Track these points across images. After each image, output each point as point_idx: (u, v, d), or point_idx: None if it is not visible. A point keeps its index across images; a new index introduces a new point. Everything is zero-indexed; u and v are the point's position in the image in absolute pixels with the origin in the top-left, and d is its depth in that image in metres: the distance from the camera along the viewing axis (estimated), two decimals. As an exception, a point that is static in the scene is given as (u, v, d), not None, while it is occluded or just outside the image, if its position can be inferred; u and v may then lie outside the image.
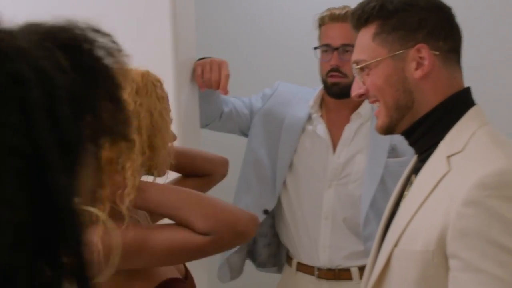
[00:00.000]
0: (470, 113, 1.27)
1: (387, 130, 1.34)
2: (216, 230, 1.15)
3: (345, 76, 1.93)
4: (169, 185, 1.28)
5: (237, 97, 2.19)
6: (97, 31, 0.65)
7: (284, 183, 2.10)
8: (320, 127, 2.04)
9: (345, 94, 1.79)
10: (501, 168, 1.13)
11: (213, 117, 2.10)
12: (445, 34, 1.28)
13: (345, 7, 2.01)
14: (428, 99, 1.28)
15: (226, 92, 1.92)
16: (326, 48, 1.99)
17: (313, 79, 2.11)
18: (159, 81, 1.29)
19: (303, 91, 2.16)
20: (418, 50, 1.25)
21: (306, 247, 2.06)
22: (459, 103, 1.28)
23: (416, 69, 1.26)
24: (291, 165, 2.08)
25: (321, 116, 2.07)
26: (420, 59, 1.25)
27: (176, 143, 1.70)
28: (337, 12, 1.99)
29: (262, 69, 3.02)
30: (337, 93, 1.97)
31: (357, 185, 2.00)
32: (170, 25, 1.80)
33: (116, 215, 1.13)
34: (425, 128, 1.29)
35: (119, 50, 0.66)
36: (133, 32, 1.84)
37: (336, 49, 1.96)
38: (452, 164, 1.21)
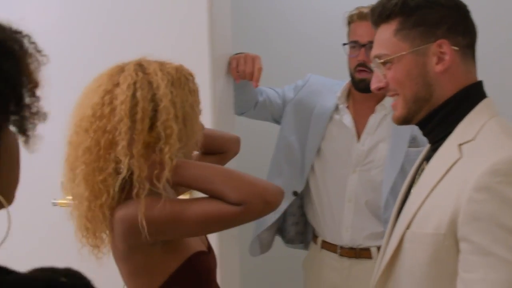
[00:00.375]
0: (482, 105, 1.30)
1: (404, 121, 1.39)
2: (247, 201, 1.23)
3: (372, 71, 2.05)
4: (202, 163, 1.37)
5: (271, 87, 2.34)
6: (18, 32, 0.78)
7: (312, 167, 2.24)
8: (346, 117, 2.17)
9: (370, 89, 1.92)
10: (511, 156, 1.16)
11: (248, 106, 2.27)
12: (463, 30, 1.31)
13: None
14: (445, 92, 1.31)
15: (257, 85, 2.07)
16: (354, 44, 2.11)
17: (342, 73, 2.23)
18: (191, 75, 1.37)
19: (332, 83, 2.29)
20: (439, 45, 1.29)
21: (330, 227, 2.20)
22: (471, 95, 1.31)
23: (437, 63, 1.30)
24: (319, 151, 2.22)
25: (347, 107, 2.19)
26: (441, 54, 1.29)
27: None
28: (365, 11, 2.08)
29: (294, 63, 3.12)
30: (363, 88, 2.08)
31: (379, 171, 2.11)
32: (207, 22, 1.93)
33: (154, 192, 1.24)
34: (439, 119, 1.33)
35: (38, 51, 0.80)
36: (173, 29, 1.97)
37: (364, 45, 2.08)
38: (463, 152, 1.24)
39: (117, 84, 1.26)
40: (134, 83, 1.25)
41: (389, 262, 1.36)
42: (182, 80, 1.32)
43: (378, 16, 1.37)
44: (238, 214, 1.24)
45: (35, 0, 2.12)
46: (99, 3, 2.05)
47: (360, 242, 2.15)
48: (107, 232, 1.32)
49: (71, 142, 1.29)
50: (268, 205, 1.27)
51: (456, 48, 1.30)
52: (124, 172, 1.23)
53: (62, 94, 1.79)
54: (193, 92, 1.36)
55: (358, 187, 2.14)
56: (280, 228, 2.42)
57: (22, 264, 2.11)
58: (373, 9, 1.39)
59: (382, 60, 1.37)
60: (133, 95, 1.24)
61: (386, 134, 2.11)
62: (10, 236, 2.22)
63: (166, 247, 1.30)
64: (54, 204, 2.00)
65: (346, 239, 2.16)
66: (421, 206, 1.28)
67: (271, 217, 2.26)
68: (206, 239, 1.52)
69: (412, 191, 1.39)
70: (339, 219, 2.18)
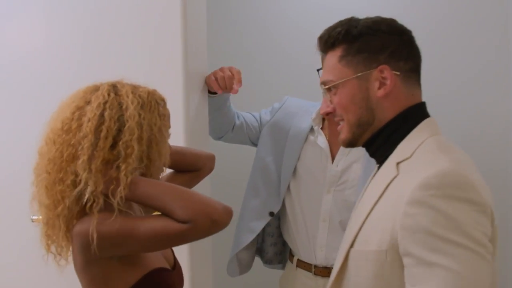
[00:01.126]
0: (422, 125, 1.37)
1: (349, 144, 1.46)
2: (194, 219, 1.27)
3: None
4: (155, 180, 1.39)
5: (247, 112, 2.43)
6: None
7: (288, 188, 2.30)
8: (320, 138, 2.23)
9: None
10: (443, 170, 1.20)
11: (226, 129, 2.35)
12: (406, 55, 1.38)
13: None
14: (387, 114, 1.38)
15: (240, 85, 2.15)
16: None
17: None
18: (163, 100, 1.44)
19: (308, 105, 2.36)
20: (381, 71, 1.36)
21: (305, 246, 2.25)
22: (413, 115, 1.38)
23: (379, 88, 1.37)
24: (294, 172, 2.28)
25: (322, 128, 2.26)
26: (383, 79, 1.36)
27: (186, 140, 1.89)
28: None
29: (272, 82, 3.22)
30: None
31: (353, 191, 2.16)
32: (181, 38, 1.98)
33: (112, 208, 1.30)
34: (382, 139, 1.39)
35: None
36: (145, 46, 2.02)
37: None
38: (400, 169, 1.30)
39: (88, 102, 1.34)
40: (105, 103, 1.33)
41: (335, 280, 1.42)
42: (152, 104, 1.39)
43: (324, 44, 1.45)
44: (185, 231, 1.28)
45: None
46: (72, 21, 2.12)
47: (334, 261, 2.17)
48: (65, 242, 1.38)
49: (40, 152, 1.37)
50: (215, 224, 1.30)
51: (397, 72, 1.36)
52: (81, 185, 1.29)
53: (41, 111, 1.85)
54: (163, 116, 1.42)
55: (333, 207, 2.19)
56: (259, 249, 2.48)
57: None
58: (320, 37, 1.46)
59: (327, 86, 1.44)
60: (101, 114, 1.31)
61: (359, 155, 2.16)
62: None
63: (124, 261, 1.35)
64: (33, 221, 2.04)
65: (320, 258, 2.21)
66: (363, 225, 1.34)
67: (247, 237, 2.32)
68: (173, 256, 1.58)
69: (355, 209, 1.46)
70: (314, 239, 2.22)
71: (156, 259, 1.44)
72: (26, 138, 2.11)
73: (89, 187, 1.29)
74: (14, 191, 2.20)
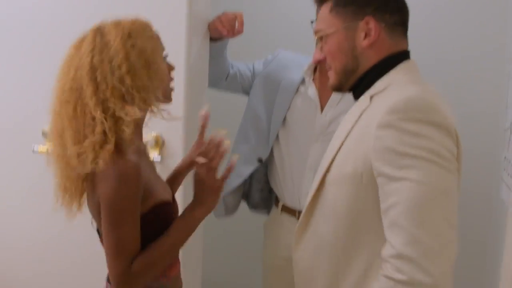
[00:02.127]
0: (401, 65, 1.50)
1: (337, 89, 1.60)
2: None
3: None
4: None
5: (241, 62, 2.53)
6: None
7: (277, 136, 2.41)
8: (310, 89, 2.34)
9: None
10: (409, 96, 1.33)
11: (220, 78, 2.46)
12: (392, 9, 1.49)
13: None
14: (370, 62, 1.50)
15: (242, 28, 2.27)
16: None
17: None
18: (148, 24, 1.53)
19: (301, 59, 2.46)
20: (367, 22, 1.47)
21: (291, 192, 2.37)
22: (393, 60, 1.50)
23: (364, 38, 1.48)
24: (284, 121, 2.39)
25: (313, 80, 2.36)
26: (368, 30, 1.48)
27: (183, 98, 1.99)
28: None
29: (269, 35, 3.30)
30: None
31: None
32: None
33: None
34: (365, 83, 1.51)
35: None
36: None
37: None
38: (373, 101, 1.44)
39: (81, 57, 1.44)
40: (92, 49, 1.43)
41: (309, 205, 1.56)
42: (138, 29, 1.48)
43: None
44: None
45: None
46: None
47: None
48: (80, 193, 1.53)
49: (56, 111, 1.48)
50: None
51: (382, 24, 1.48)
52: (98, 124, 1.41)
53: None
54: (151, 37, 1.52)
55: (320, 156, 2.22)
56: (245, 193, 2.60)
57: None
58: None
59: (319, 35, 1.57)
60: (91, 62, 1.42)
61: (347, 106, 2.20)
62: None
63: None
64: (35, 152, 2.12)
65: (304, 204, 2.28)
66: (338, 152, 1.47)
67: (235, 181, 2.44)
68: (171, 189, 1.71)
69: (331, 141, 1.58)
70: (299, 186, 2.33)
71: (163, 193, 1.58)
72: (25, 74, 2.20)
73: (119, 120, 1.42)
74: (14, 122, 2.27)
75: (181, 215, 1.58)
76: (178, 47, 1.99)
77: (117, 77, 1.41)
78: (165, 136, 2.07)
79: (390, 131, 1.30)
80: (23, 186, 2.28)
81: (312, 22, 2.28)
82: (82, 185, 1.50)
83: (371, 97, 1.45)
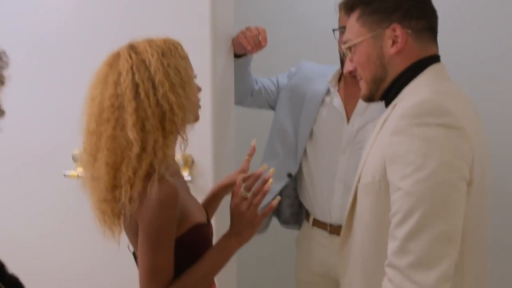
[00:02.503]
0: (427, 71, 1.48)
1: (368, 99, 1.59)
2: None
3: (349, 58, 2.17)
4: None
5: (265, 77, 2.54)
6: None
7: (305, 150, 2.39)
8: (336, 100, 2.33)
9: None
10: (420, 100, 1.33)
11: (246, 94, 2.47)
12: (418, 15, 1.48)
13: None
14: (398, 69, 1.49)
15: (266, 43, 2.26)
16: (342, 30, 2.23)
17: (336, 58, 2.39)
18: (179, 43, 1.53)
19: (325, 69, 2.46)
20: (393, 30, 1.47)
21: (321, 206, 2.35)
22: (421, 65, 1.48)
23: (392, 46, 1.47)
24: (311, 134, 2.37)
25: (338, 90, 2.35)
26: (395, 37, 1.47)
27: (211, 117, 2.00)
28: None
29: (293, 46, 3.31)
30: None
31: None
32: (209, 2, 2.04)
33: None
34: (395, 90, 1.50)
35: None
36: (173, 6, 2.09)
37: None
38: (394, 109, 1.44)
39: (119, 73, 1.43)
40: (131, 67, 1.43)
41: (348, 215, 1.56)
42: (171, 48, 1.48)
43: (345, 7, 1.59)
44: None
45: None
46: None
47: (349, 219, 2.28)
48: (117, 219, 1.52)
49: (90, 130, 1.46)
50: None
51: (409, 31, 1.47)
52: (136, 147, 1.40)
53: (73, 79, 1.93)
54: (184, 57, 1.52)
55: (348, 167, 2.26)
56: (276, 210, 2.57)
57: (32, 234, 2.28)
58: (343, 1, 1.62)
59: (347, 45, 1.57)
60: (133, 79, 1.42)
61: (375, 115, 2.20)
62: (22, 207, 2.40)
63: None
64: (66, 176, 2.13)
65: (335, 217, 2.30)
66: (365, 162, 1.48)
67: (266, 198, 2.38)
68: (206, 212, 1.70)
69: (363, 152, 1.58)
70: (329, 198, 2.31)
71: (199, 215, 1.58)
72: (55, 99, 2.22)
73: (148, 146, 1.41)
74: (45, 146, 2.29)
75: (216, 244, 1.58)
76: (203, 65, 2.00)
77: (161, 95, 1.41)
78: (194, 155, 2.06)
79: (401, 137, 1.31)
80: (55, 211, 2.30)
81: (334, 30, 2.30)
82: (118, 206, 1.48)
83: (395, 105, 1.45)
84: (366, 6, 1.51)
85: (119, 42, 1.50)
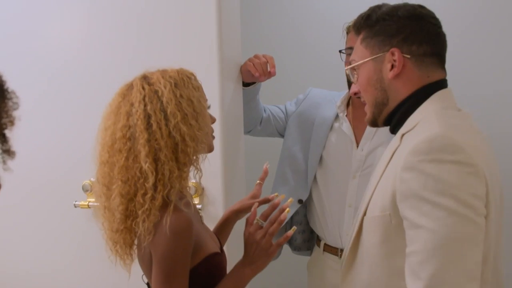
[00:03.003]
0: (433, 97, 1.46)
1: (372, 123, 1.58)
2: None
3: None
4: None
5: (272, 105, 2.55)
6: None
7: (315, 175, 2.40)
8: (345, 125, 2.34)
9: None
10: (431, 135, 1.29)
11: (255, 123, 2.48)
12: (419, 40, 1.46)
13: None
14: (400, 95, 1.48)
15: (274, 71, 2.27)
16: (350, 51, 2.26)
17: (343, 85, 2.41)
18: (192, 74, 1.54)
19: (332, 95, 2.48)
20: (392, 53, 1.46)
21: (332, 231, 2.35)
22: (425, 92, 1.46)
23: (390, 70, 1.46)
24: (321, 160, 2.38)
25: (347, 115, 2.36)
26: (394, 61, 1.46)
27: (220, 145, 2.00)
28: None
29: (298, 75, 3.34)
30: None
31: None
32: (216, 27, 2.05)
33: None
34: (398, 117, 1.49)
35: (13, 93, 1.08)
36: (181, 35, 2.10)
37: None
38: (403, 140, 1.42)
39: (132, 104, 1.44)
40: (144, 98, 1.44)
41: (351, 247, 1.54)
42: (185, 79, 1.49)
43: (354, 28, 1.59)
44: None
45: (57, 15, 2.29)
46: (108, 10, 2.21)
47: (360, 244, 2.26)
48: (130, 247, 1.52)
49: (103, 161, 1.47)
50: None
51: (407, 56, 1.46)
52: (151, 177, 1.40)
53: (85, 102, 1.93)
54: (197, 88, 1.53)
55: (358, 192, 2.26)
56: (287, 236, 2.54)
57: (40, 262, 2.28)
58: (353, 23, 1.61)
59: (351, 66, 1.58)
60: (145, 110, 1.43)
61: (384, 139, 2.23)
62: (32, 237, 2.40)
63: None
64: (76, 206, 2.13)
65: (346, 242, 2.25)
66: (373, 194, 1.45)
67: (277, 226, 2.39)
68: (219, 240, 1.71)
69: (369, 182, 1.57)
70: (340, 224, 2.31)
71: (212, 244, 1.58)
72: (64, 131, 2.22)
73: (164, 176, 1.41)
74: (55, 177, 2.29)
75: (230, 273, 1.58)
76: (211, 93, 2.00)
77: (173, 125, 1.42)
78: (204, 183, 2.05)
79: (413, 174, 1.28)
80: (65, 241, 2.31)
81: (340, 51, 2.31)
82: (131, 237, 1.48)
83: (402, 136, 1.43)
84: (371, 29, 1.51)
85: (129, 72, 1.52)
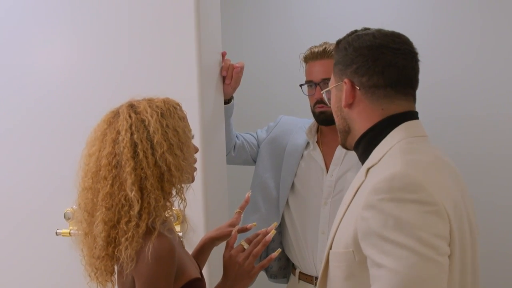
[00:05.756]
0: (396, 130, 1.42)
1: (343, 146, 1.58)
2: None
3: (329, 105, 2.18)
4: None
5: (244, 132, 2.61)
6: None
7: (287, 203, 2.43)
8: (315, 152, 2.40)
9: (330, 121, 1.96)
10: (392, 173, 1.26)
11: (229, 149, 2.50)
12: (372, 72, 1.42)
13: (324, 43, 2.29)
14: (358, 125, 1.47)
15: (243, 64, 2.27)
16: (310, 83, 2.36)
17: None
18: (178, 104, 1.56)
19: (302, 122, 2.55)
20: (345, 83, 1.46)
21: (306, 259, 2.38)
22: (387, 125, 1.42)
23: (344, 99, 1.47)
24: (292, 187, 2.43)
25: (317, 141, 2.42)
26: (346, 91, 1.46)
27: (202, 173, 2.02)
28: (315, 50, 2.29)
29: (269, 103, 3.39)
30: (324, 120, 2.32)
31: None
32: (195, 36, 2.00)
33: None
34: (362, 147, 1.48)
35: None
36: (160, 47, 2.08)
37: (318, 84, 2.30)
38: (368, 175, 1.39)
39: (118, 131, 1.46)
40: (130, 126, 1.46)
41: (320, 282, 1.52)
42: (171, 109, 1.51)
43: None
44: None
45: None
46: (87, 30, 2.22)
47: (334, 273, 2.25)
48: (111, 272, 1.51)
49: (86, 187, 1.47)
50: None
51: (357, 87, 1.45)
52: (135, 205, 1.40)
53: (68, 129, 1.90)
54: (183, 118, 1.56)
55: (331, 218, 2.28)
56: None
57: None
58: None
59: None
60: (132, 139, 1.43)
61: (354, 163, 2.26)
62: (14, 265, 2.34)
63: None
64: (58, 234, 2.15)
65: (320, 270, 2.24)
66: (337, 229, 1.43)
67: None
68: (199, 266, 1.71)
69: (335, 217, 1.55)
70: (314, 251, 2.34)
71: (193, 269, 1.58)
72: (45, 158, 2.19)
73: (150, 204, 1.42)
74: (37, 204, 2.28)
75: None
76: (192, 121, 1.97)
77: (159, 155, 1.44)
78: (186, 210, 2.01)
79: (373, 212, 1.26)
80: (47, 269, 2.31)
81: (301, 85, 2.38)
82: (112, 264, 1.48)
83: (367, 170, 1.41)
84: (336, 56, 1.54)
85: (112, 94, 1.48)
